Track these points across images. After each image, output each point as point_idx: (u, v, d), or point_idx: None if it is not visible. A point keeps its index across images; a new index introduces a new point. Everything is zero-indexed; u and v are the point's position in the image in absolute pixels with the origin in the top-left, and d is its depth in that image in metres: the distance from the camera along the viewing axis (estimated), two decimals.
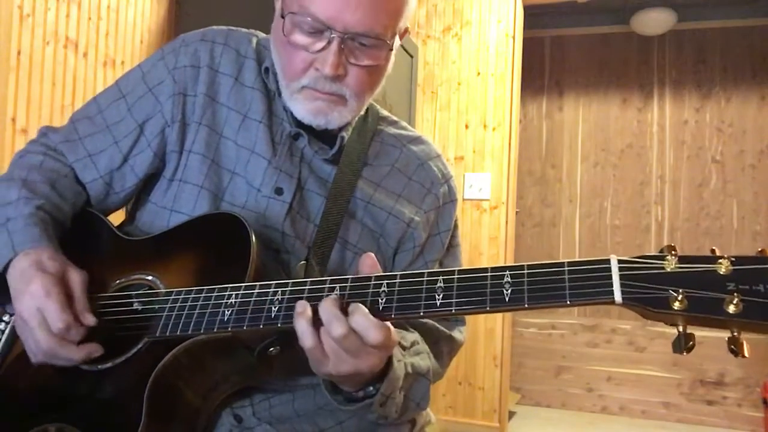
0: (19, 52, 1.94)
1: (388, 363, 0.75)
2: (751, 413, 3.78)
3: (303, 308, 0.68)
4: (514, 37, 3.37)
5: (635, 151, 4.21)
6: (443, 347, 0.95)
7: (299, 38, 0.83)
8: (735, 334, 0.57)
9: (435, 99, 3.47)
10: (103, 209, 0.95)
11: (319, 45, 0.82)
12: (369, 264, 0.72)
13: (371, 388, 0.75)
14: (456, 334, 0.97)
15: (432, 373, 0.89)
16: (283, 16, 0.84)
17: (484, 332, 3.29)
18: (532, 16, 3.81)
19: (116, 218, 0.99)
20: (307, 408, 0.89)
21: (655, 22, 3.98)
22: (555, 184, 4.34)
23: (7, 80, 1.91)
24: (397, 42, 0.88)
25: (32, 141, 0.97)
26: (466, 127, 3.41)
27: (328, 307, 0.67)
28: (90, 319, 0.75)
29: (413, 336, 0.88)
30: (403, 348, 0.83)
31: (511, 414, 3.68)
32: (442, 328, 0.95)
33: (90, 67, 2.22)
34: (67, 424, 0.74)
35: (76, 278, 0.77)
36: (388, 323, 0.67)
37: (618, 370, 4.07)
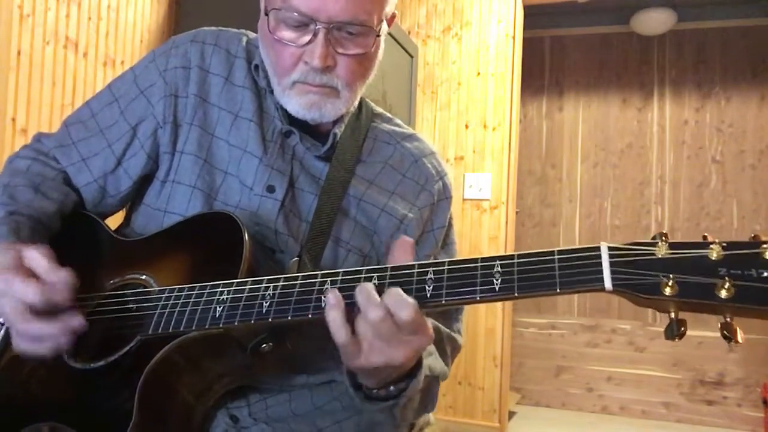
0: (19, 52, 1.94)
1: (417, 363, 0.73)
2: (751, 413, 3.78)
3: (336, 300, 0.65)
4: (514, 37, 3.37)
5: (635, 151, 4.21)
6: (446, 346, 0.94)
7: (285, 33, 0.83)
8: (728, 319, 0.56)
9: (435, 99, 3.47)
10: (100, 213, 0.95)
11: (306, 38, 0.82)
12: (403, 248, 0.69)
13: (392, 389, 0.74)
14: (455, 334, 0.97)
15: (441, 375, 0.88)
16: (266, 14, 0.84)
17: (484, 332, 3.29)
18: (532, 16, 3.81)
19: (115, 221, 0.99)
20: (304, 408, 0.88)
21: (655, 22, 3.97)
22: (555, 184, 4.34)
23: (7, 80, 1.91)
24: (384, 28, 0.88)
25: (24, 146, 0.97)
26: (466, 127, 3.41)
27: (365, 291, 0.65)
28: (62, 274, 0.71)
29: None
30: None
31: (511, 414, 3.68)
32: (443, 326, 0.94)
33: (90, 67, 2.22)
34: (60, 423, 0.74)
35: (33, 254, 0.72)
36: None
37: (618, 370, 4.07)
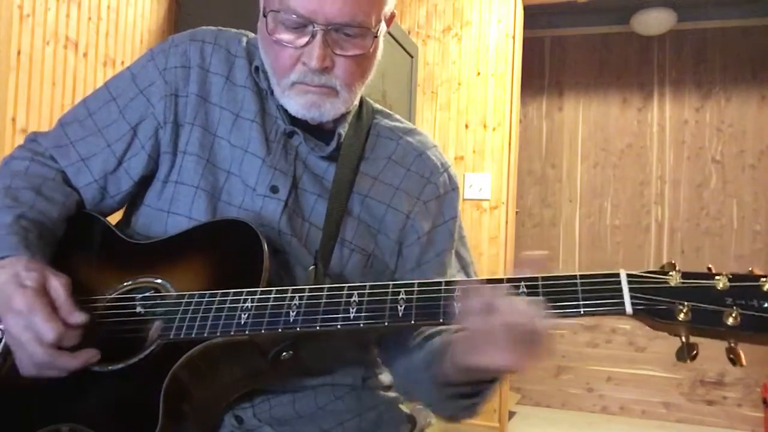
0: (19, 52, 1.94)
1: None
2: (751, 413, 3.78)
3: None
4: (514, 37, 3.37)
5: (635, 151, 4.20)
6: None
7: (283, 35, 0.83)
8: (732, 344, 0.62)
9: (435, 99, 3.46)
10: (99, 213, 0.94)
11: (304, 39, 0.82)
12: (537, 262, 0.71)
13: (478, 388, 0.78)
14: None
15: None
16: (265, 15, 0.84)
17: None
18: (532, 16, 3.80)
19: (114, 221, 0.98)
20: (308, 409, 0.88)
21: (655, 22, 3.97)
22: (555, 184, 4.34)
23: (7, 80, 1.91)
24: (383, 28, 0.88)
25: (19, 147, 0.96)
26: (466, 127, 3.41)
27: (513, 301, 0.66)
28: (78, 317, 0.73)
29: None
30: None
31: (511, 414, 3.68)
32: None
33: (90, 67, 2.22)
34: (79, 424, 0.74)
35: (57, 284, 0.74)
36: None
37: (618, 370, 4.07)
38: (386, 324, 0.70)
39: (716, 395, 3.87)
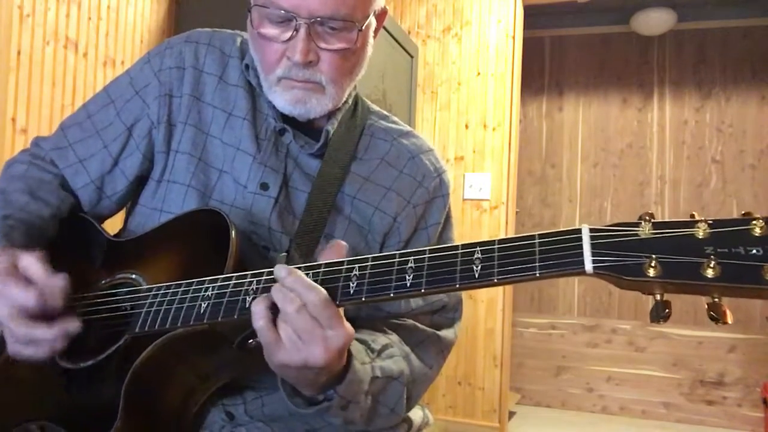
0: (19, 52, 1.94)
1: (348, 366, 0.73)
2: (751, 413, 3.78)
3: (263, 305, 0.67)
4: (514, 37, 3.37)
5: (635, 151, 4.21)
6: (429, 348, 0.92)
7: (268, 30, 0.83)
8: (715, 299, 0.54)
9: (435, 99, 3.47)
10: (98, 215, 0.95)
11: (288, 34, 0.82)
12: (335, 250, 0.71)
13: (331, 391, 0.73)
14: (445, 333, 0.94)
15: (409, 376, 0.86)
16: (249, 10, 0.85)
17: (484, 332, 3.29)
18: (532, 16, 3.81)
19: (116, 224, 0.99)
20: None
21: (655, 22, 3.97)
22: (555, 184, 4.34)
23: (7, 80, 1.91)
24: (372, 23, 0.88)
25: (22, 150, 0.98)
26: (466, 127, 3.41)
27: (280, 289, 0.66)
28: (56, 279, 0.73)
29: (386, 339, 0.85)
30: (373, 351, 0.81)
31: (511, 414, 3.68)
32: (424, 327, 0.92)
33: (90, 67, 2.22)
34: (50, 422, 0.74)
35: (29, 259, 0.74)
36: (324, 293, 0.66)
37: (618, 370, 4.07)
38: (337, 303, 0.67)
39: (716, 395, 3.87)
